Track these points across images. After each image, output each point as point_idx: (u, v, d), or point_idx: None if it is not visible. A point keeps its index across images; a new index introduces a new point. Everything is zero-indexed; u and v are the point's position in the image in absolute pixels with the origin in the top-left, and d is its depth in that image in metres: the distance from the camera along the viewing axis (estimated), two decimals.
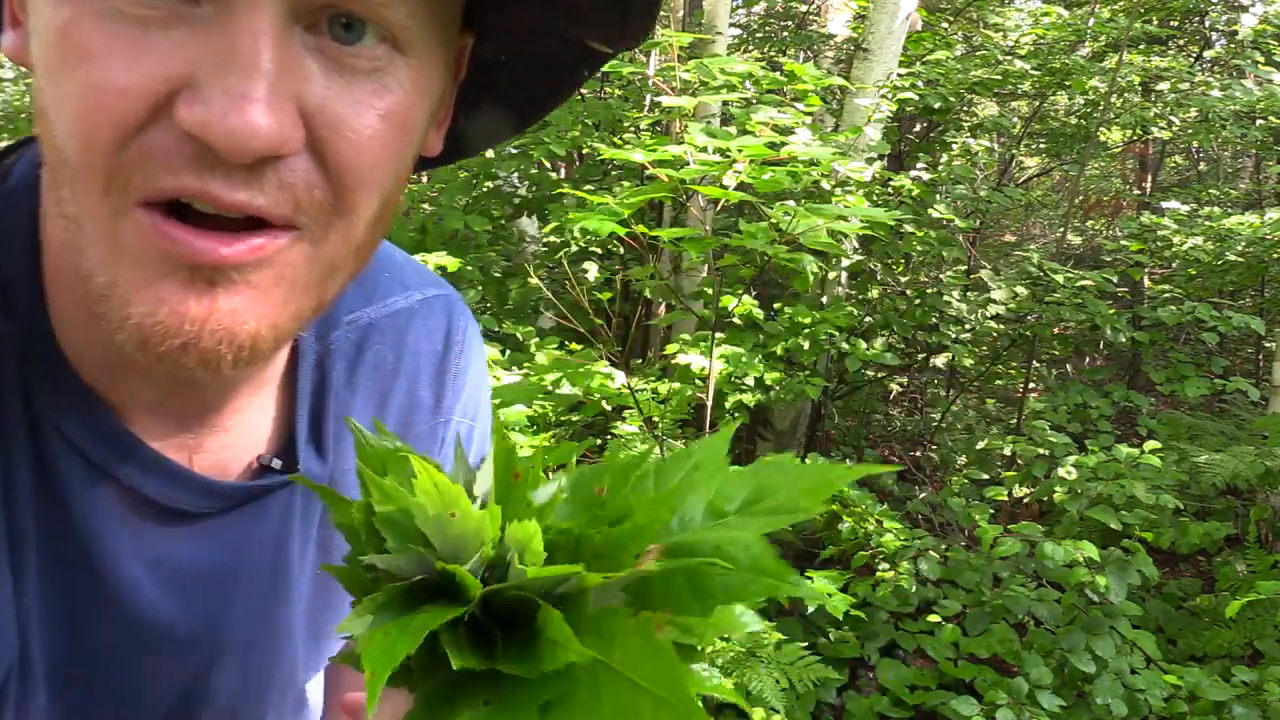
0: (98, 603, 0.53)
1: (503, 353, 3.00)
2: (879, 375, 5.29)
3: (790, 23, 6.71)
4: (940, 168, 4.60)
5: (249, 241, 0.42)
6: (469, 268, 3.60)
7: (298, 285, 0.45)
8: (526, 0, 0.51)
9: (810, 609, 2.31)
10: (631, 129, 4.16)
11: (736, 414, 3.44)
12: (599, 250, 4.53)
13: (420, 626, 0.37)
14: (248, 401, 0.58)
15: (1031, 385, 4.91)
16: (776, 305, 3.91)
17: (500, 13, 0.51)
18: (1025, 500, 4.05)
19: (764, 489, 0.40)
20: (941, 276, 5.35)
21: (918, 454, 5.28)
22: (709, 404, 2.49)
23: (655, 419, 2.62)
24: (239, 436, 0.58)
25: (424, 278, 0.72)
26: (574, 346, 3.14)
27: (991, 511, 3.39)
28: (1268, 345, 5.29)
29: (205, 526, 0.56)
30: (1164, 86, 4.85)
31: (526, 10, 0.51)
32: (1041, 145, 6.64)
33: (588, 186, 3.94)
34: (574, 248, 4.17)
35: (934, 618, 3.26)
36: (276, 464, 0.59)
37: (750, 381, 3.39)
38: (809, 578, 2.34)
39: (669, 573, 0.38)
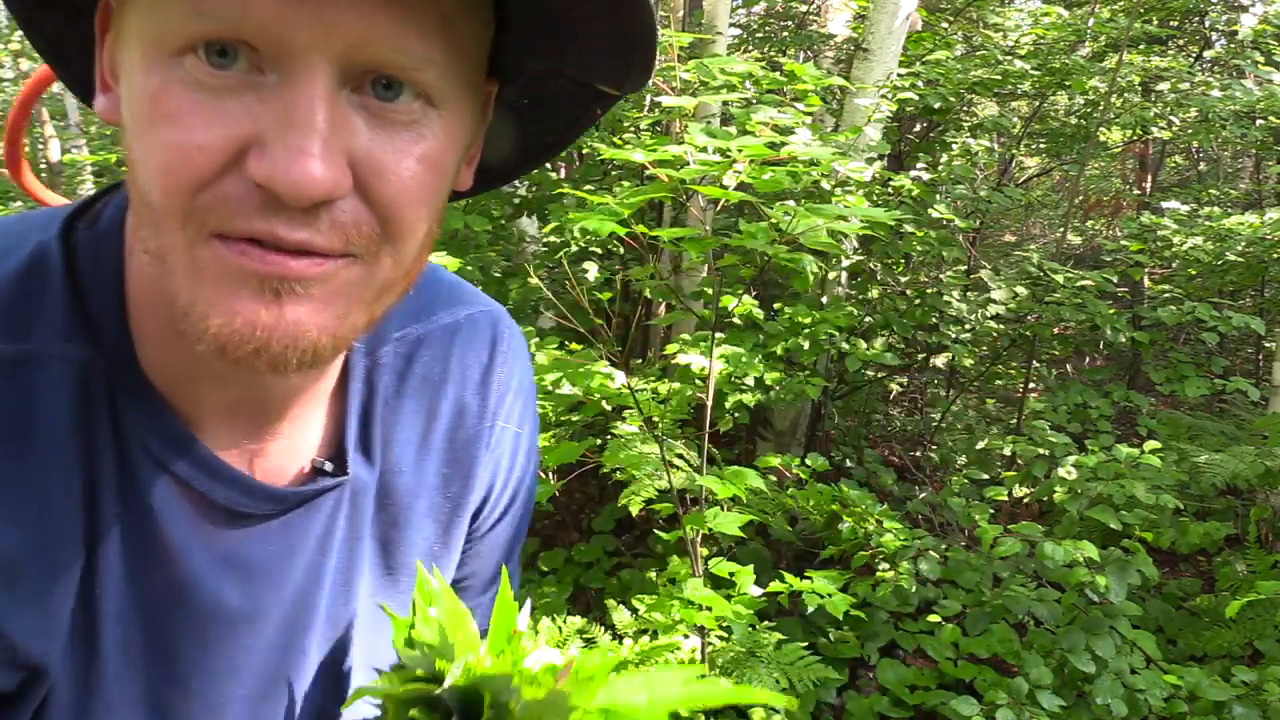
0: (171, 591, 0.62)
1: None
2: (879, 375, 5.29)
3: (790, 23, 6.71)
4: (940, 168, 4.60)
5: (311, 258, 0.50)
6: (469, 268, 3.60)
7: (353, 300, 0.53)
8: (541, 53, 0.59)
9: (810, 609, 2.31)
10: (631, 129, 4.16)
11: (736, 414, 3.44)
12: (599, 250, 4.53)
13: (403, 687, 0.55)
14: (304, 411, 0.66)
15: (1031, 385, 4.91)
16: (776, 305, 3.91)
17: (519, 63, 0.60)
18: (1025, 500, 4.05)
19: (694, 691, 0.53)
20: (941, 276, 5.35)
21: (918, 454, 5.28)
22: (709, 404, 2.49)
23: (655, 419, 2.62)
24: (296, 443, 0.66)
25: (471, 296, 0.79)
26: (574, 346, 3.13)
27: (991, 511, 3.39)
28: (1268, 345, 5.28)
29: (265, 527, 0.65)
30: (1164, 86, 4.84)
31: (542, 61, 0.60)
32: (1041, 145, 6.64)
33: (588, 186, 3.94)
34: (574, 248, 4.17)
35: (934, 618, 3.26)
36: (328, 467, 0.68)
37: (750, 381, 3.39)
38: (808, 577, 2.35)
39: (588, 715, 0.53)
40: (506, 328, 0.79)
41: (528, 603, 0.66)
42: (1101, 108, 4.66)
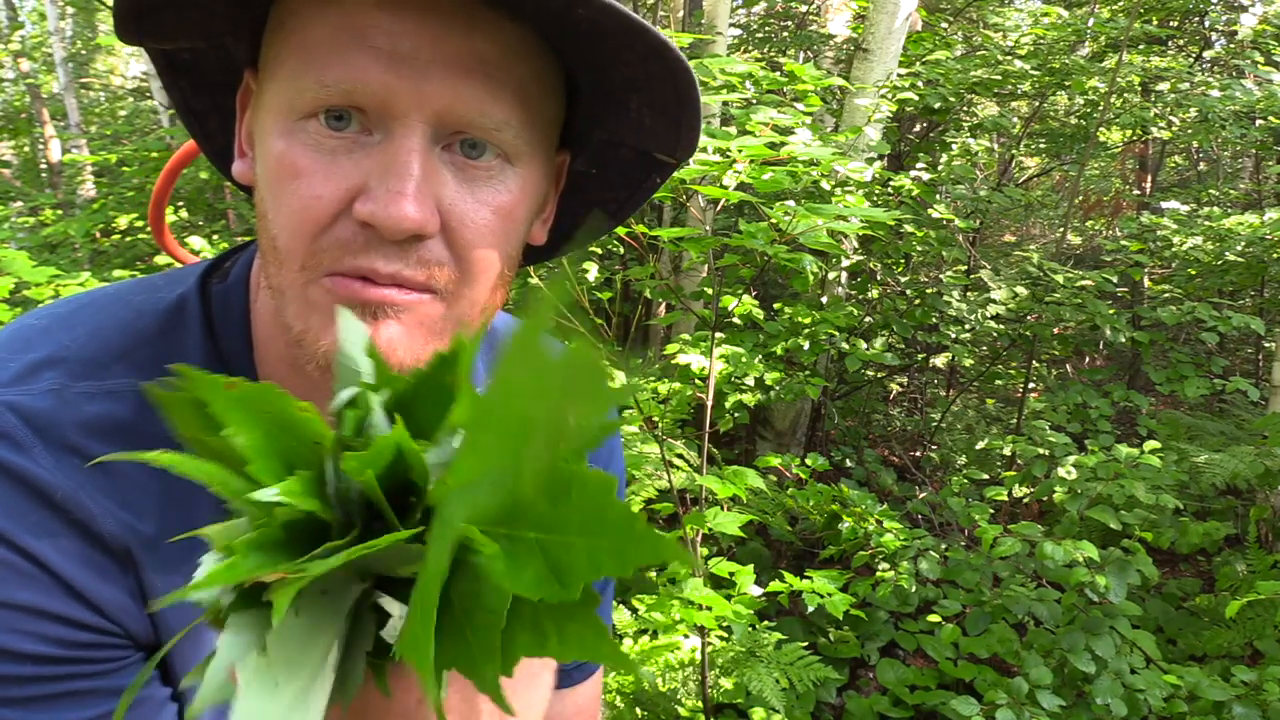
0: None
1: None
2: (879, 375, 5.29)
3: (790, 23, 6.71)
4: (940, 168, 4.60)
5: (401, 289, 0.60)
6: None
7: (434, 330, 0.62)
8: (604, 124, 0.69)
9: (810, 609, 2.31)
10: None
11: (736, 414, 3.44)
12: (599, 250, 4.53)
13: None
14: None
15: (1031, 385, 4.91)
16: (776, 305, 3.90)
17: (585, 134, 0.70)
18: (1025, 500, 4.05)
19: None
20: (941, 276, 5.35)
21: (918, 454, 5.28)
22: (709, 404, 2.49)
23: (655, 419, 2.62)
24: None
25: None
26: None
27: (991, 511, 3.38)
28: (1268, 345, 5.28)
29: None
30: (1164, 86, 4.84)
31: (603, 131, 0.70)
32: (1041, 145, 6.64)
33: None
34: None
35: (934, 618, 3.26)
36: None
37: (750, 381, 3.39)
38: (808, 577, 2.34)
39: None
40: None
41: None
42: (1101, 108, 4.66)
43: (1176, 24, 6.13)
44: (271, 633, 0.38)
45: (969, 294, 4.49)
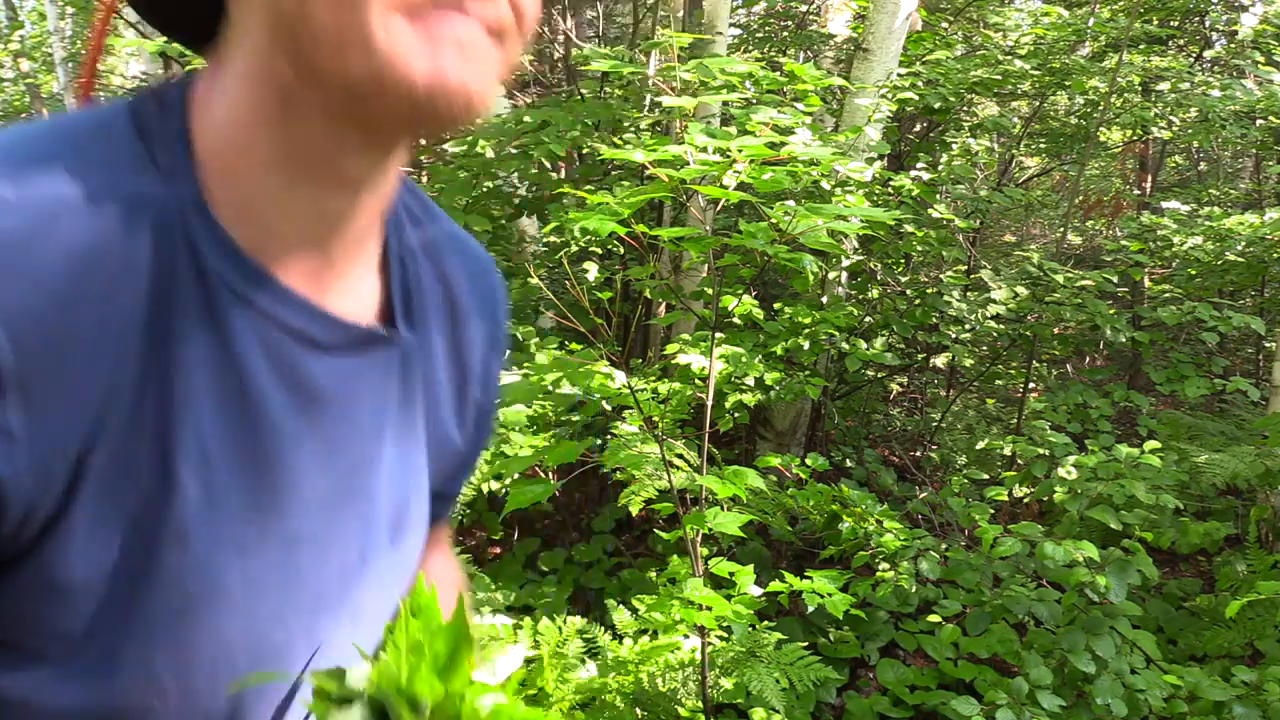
0: (254, 426, 0.65)
1: None
2: (879, 375, 5.29)
3: (790, 23, 6.70)
4: (940, 168, 4.60)
5: (487, 33, 0.57)
6: None
7: (496, 77, 0.60)
8: None
9: (810, 609, 2.31)
10: (631, 129, 4.16)
11: (736, 414, 3.44)
12: (599, 250, 4.53)
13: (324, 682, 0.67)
14: (362, 270, 0.71)
15: (1031, 385, 4.91)
16: (776, 305, 3.90)
17: None
18: (1025, 500, 4.05)
19: None
20: (941, 276, 5.34)
21: (918, 454, 5.28)
22: (709, 404, 2.49)
23: (655, 419, 2.62)
24: (356, 301, 0.71)
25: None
26: (574, 346, 3.13)
27: (991, 511, 3.38)
28: (1268, 345, 5.28)
29: (330, 358, 0.68)
30: (1164, 86, 4.84)
31: None
32: (1041, 145, 6.64)
33: (588, 186, 3.93)
34: (574, 248, 4.17)
35: (934, 618, 3.26)
36: (382, 331, 0.73)
37: (750, 381, 3.39)
38: (808, 577, 2.34)
39: None
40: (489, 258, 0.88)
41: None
42: (1101, 108, 4.66)
43: (1176, 24, 6.13)
44: None
45: (969, 294, 4.49)
